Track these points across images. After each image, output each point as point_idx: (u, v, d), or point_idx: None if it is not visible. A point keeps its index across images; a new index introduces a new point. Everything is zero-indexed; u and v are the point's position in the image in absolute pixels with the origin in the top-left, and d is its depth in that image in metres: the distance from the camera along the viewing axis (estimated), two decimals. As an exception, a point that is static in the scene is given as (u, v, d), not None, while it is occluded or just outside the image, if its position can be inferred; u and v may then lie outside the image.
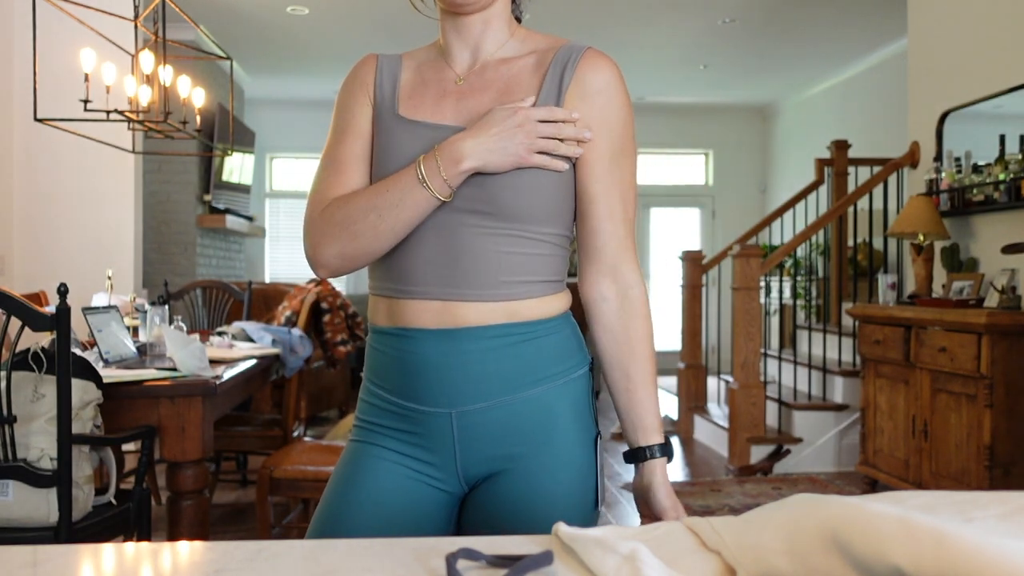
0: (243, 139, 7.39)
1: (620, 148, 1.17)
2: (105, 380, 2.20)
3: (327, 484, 1.21)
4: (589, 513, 1.18)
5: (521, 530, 1.10)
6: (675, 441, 5.65)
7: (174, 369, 2.43)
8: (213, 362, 2.66)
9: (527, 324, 1.14)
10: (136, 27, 3.47)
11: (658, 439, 1.18)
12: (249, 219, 7.86)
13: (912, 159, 4.67)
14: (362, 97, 1.20)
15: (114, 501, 2.24)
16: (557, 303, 1.18)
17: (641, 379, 1.17)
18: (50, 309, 1.99)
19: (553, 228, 1.16)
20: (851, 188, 5.60)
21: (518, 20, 1.25)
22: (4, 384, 1.96)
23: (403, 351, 1.15)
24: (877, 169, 5.14)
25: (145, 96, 3.46)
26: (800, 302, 6.71)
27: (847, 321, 5.39)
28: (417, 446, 1.16)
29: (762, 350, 5.00)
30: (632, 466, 1.20)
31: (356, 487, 1.17)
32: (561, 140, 1.11)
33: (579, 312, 1.15)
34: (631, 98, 1.20)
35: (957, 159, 4.22)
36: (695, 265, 5.86)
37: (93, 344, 2.65)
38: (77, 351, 2.21)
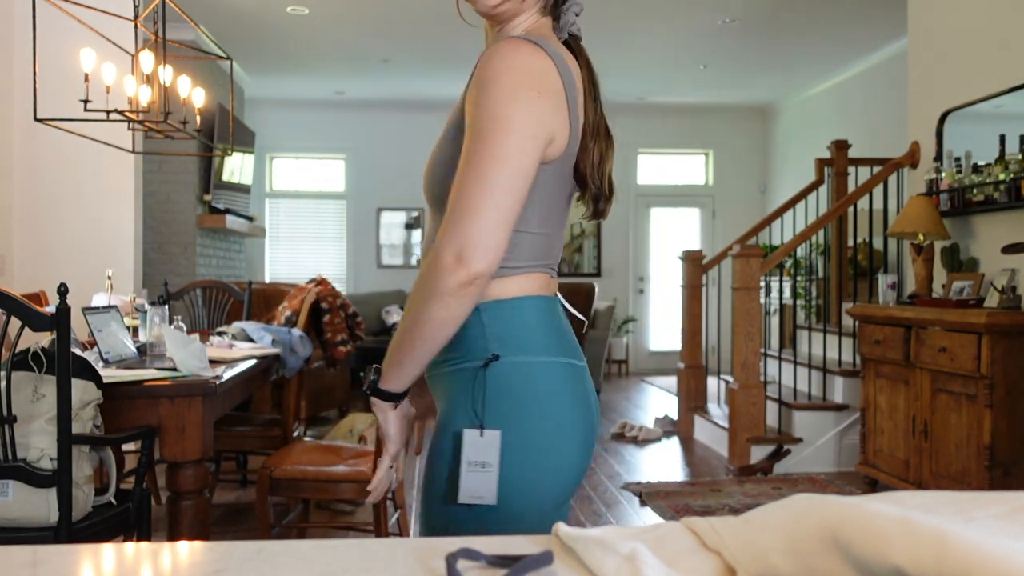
0: (243, 139, 7.39)
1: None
2: (105, 380, 2.20)
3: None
4: (440, 500, 1.17)
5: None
6: (675, 441, 5.65)
7: (174, 369, 2.42)
8: (213, 362, 2.66)
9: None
10: (136, 27, 3.47)
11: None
12: (249, 219, 7.86)
13: (912, 159, 4.67)
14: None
15: (114, 501, 2.24)
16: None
17: None
18: (50, 309, 1.99)
19: None
20: (851, 188, 5.60)
21: None
22: (4, 384, 1.96)
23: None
24: (877, 169, 5.14)
25: (145, 96, 3.46)
26: (800, 302, 6.71)
27: (847, 321, 5.39)
28: None
29: (762, 350, 5.00)
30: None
31: None
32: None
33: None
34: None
35: (957, 159, 4.22)
36: (695, 265, 5.86)
37: (93, 344, 2.65)
38: (77, 351, 2.21)
